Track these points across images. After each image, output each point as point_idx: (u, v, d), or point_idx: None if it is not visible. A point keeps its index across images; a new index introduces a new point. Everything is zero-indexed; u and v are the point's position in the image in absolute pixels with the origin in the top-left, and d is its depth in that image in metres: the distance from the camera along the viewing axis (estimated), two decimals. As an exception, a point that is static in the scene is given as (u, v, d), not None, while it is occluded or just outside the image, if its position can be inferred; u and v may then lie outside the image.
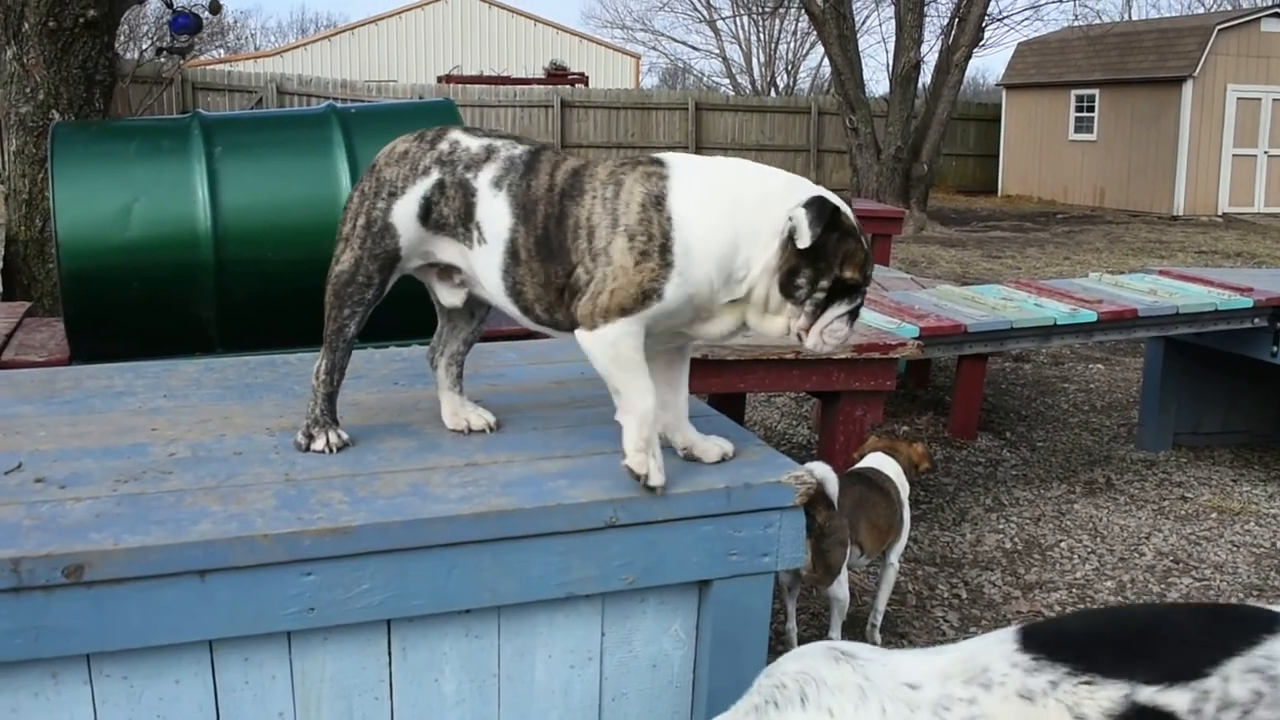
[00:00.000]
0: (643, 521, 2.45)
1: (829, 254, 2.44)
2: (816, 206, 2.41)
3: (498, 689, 2.51)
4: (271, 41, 52.94)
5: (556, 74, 32.19)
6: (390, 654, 2.41)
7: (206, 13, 14.41)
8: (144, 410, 3.04)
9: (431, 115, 4.36)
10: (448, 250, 2.73)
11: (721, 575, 2.56)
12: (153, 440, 2.77)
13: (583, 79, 31.94)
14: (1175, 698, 1.92)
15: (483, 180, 2.64)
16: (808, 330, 2.49)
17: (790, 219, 2.42)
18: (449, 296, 2.87)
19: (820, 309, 2.47)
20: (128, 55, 24.85)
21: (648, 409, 2.50)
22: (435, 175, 2.68)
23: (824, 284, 2.45)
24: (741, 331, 2.60)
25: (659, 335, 2.57)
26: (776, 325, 2.53)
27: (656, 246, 2.44)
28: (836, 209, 2.45)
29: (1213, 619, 2.08)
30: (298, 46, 39.71)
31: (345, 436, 2.76)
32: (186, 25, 13.56)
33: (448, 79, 30.18)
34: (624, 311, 2.44)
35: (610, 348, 2.46)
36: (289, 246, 4.02)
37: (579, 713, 2.59)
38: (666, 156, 2.57)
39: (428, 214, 2.68)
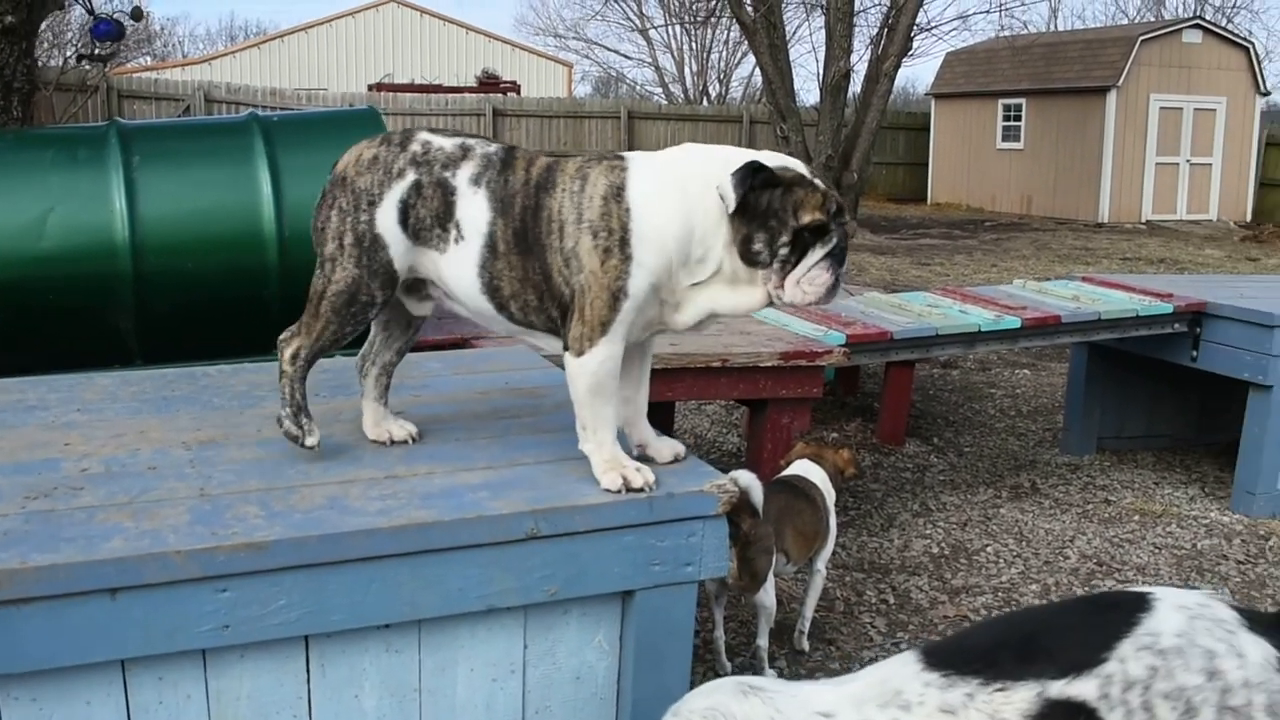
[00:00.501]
0: (564, 533, 2.43)
1: (775, 210, 2.49)
2: (740, 172, 2.46)
3: (419, 704, 2.49)
4: (200, 49, 52.34)
5: (489, 82, 32.08)
6: (309, 670, 2.37)
7: (129, 19, 14.21)
8: (56, 425, 2.98)
9: (355, 123, 4.31)
10: (423, 263, 2.71)
11: (644, 585, 2.55)
12: (65, 456, 2.72)
13: (515, 87, 31.87)
14: (1083, 687, 2.01)
15: (462, 178, 2.65)
16: (781, 286, 2.52)
17: (718, 190, 2.47)
18: (417, 308, 2.87)
19: (788, 263, 2.51)
20: (51, 63, 24.44)
21: (611, 438, 2.59)
22: (411, 177, 2.65)
23: (783, 239, 2.50)
24: (713, 319, 2.65)
25: (633, 332, 2.60)
26: (755, 296, 2.58)
27: (616, 241, 2.50)
28: (762, 168, 2.48)
29: (1090, 609, 2.19)
30: (226, 54, 39.27)
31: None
32: (108, 32, 13.34)
33: (379, 87, 29.99)
34: (604, 326, 2.51)
35: (592, 376, 2.53)
36: (210, 257, 3.96)
37: (502, 726, 2.57)
38: (628, 153, 2.63)
39: (406, 218, 2.65)
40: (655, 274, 2.51)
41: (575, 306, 2.53)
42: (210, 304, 4.01)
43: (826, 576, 4.39)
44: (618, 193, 2.52)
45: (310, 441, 2.70)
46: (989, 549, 5.47)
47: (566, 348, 2.57)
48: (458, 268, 2.67)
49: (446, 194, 2.65)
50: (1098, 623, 2.10)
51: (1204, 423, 7.28)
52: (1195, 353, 6.32)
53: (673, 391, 4.61)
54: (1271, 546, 5.64)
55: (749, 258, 2.51)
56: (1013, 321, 5.98)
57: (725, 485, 2.58)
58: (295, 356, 2.74)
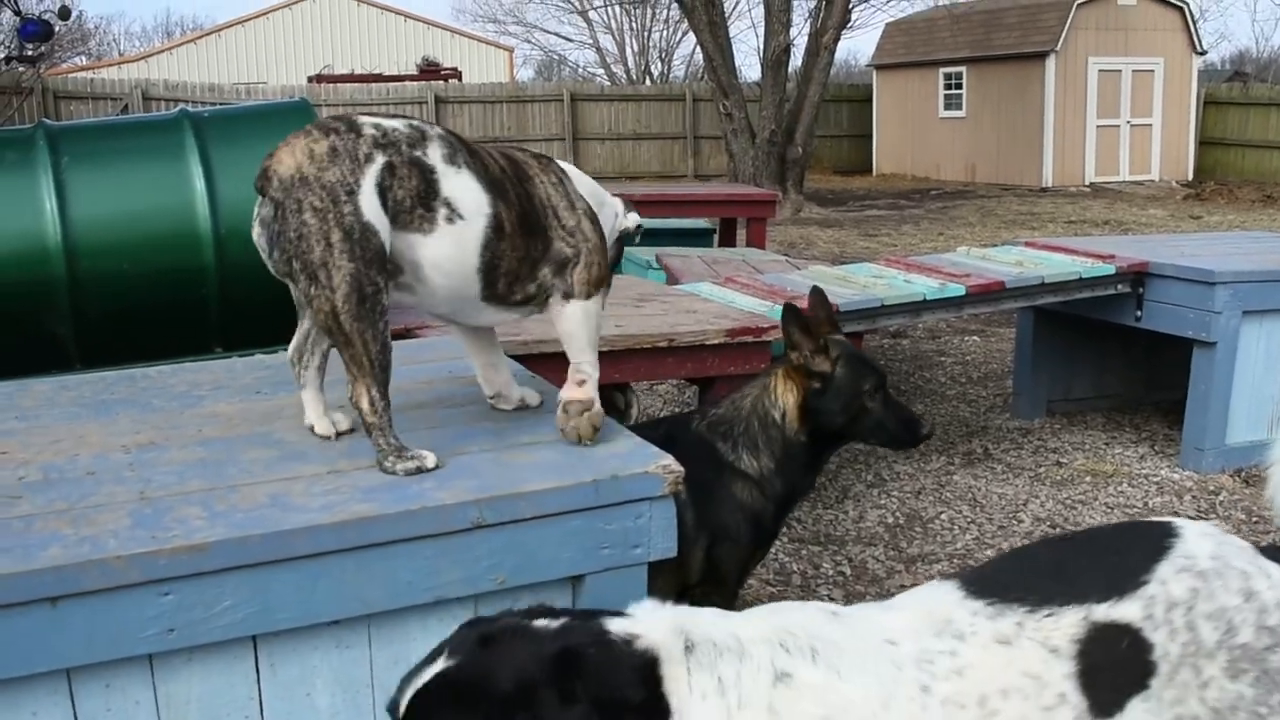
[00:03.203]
0: (510, 520, 2.42)
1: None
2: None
3: (372, 699, 2.47)
4: (136, 46, 51.70)
5: (429, 70, 31.89)
6: (258, 671, 2.35)
7: (57, 19, 14.00)
8: (-7, 434, 2.93)
9: (286, 116, 4.26)
10: (398, 247, 2.61)
11: (594, 569, 2.53)
12: (1, 464, 2.67)
13: (456, 74, 31.69)
14: (1128, 609, 2.05)
15: (436, 157, 2.63)
16: None
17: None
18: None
19: None
20: (-17, 66, 24.05)
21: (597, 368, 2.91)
22: (380, 159, 2.56)
23: None
24: None
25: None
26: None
27: (596, 223, 2.90)
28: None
29: (1118, 536, 2.21)
30: (163, 51, 38.85)
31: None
32: (36, 33, 13.15)
33: (319, 79, 29.75)
34: (601, 285, 2.88)
35: (594, 317, 2.88)
36: (145, 258, 3.90)
37: (458, 717, 2.56)
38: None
39: (384, 200, 2.55)
40: None
41: (581, 261, 2.83)
42: (148, 305, 3.95)
43: (783, 549, 4.39)
44: (590, 193, 2.96)
45: (431, 463, 2.59)
46: (943, 516, 5.51)
47: (571, 296, 2.84)
48: (450, 248, 2.64)
49: (425, 173, 2.60)
50: (1129, 547, 2.14)
51: (1151, 381, 7.36)
52: (1139, 313, 6.38)
53: (620, 373, 4.60)
54: (1221, 501, 5.71)
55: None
56: (957, 289, 6.00)
57: (670, 465, 2.58)
58: (372, 403, 2.60)
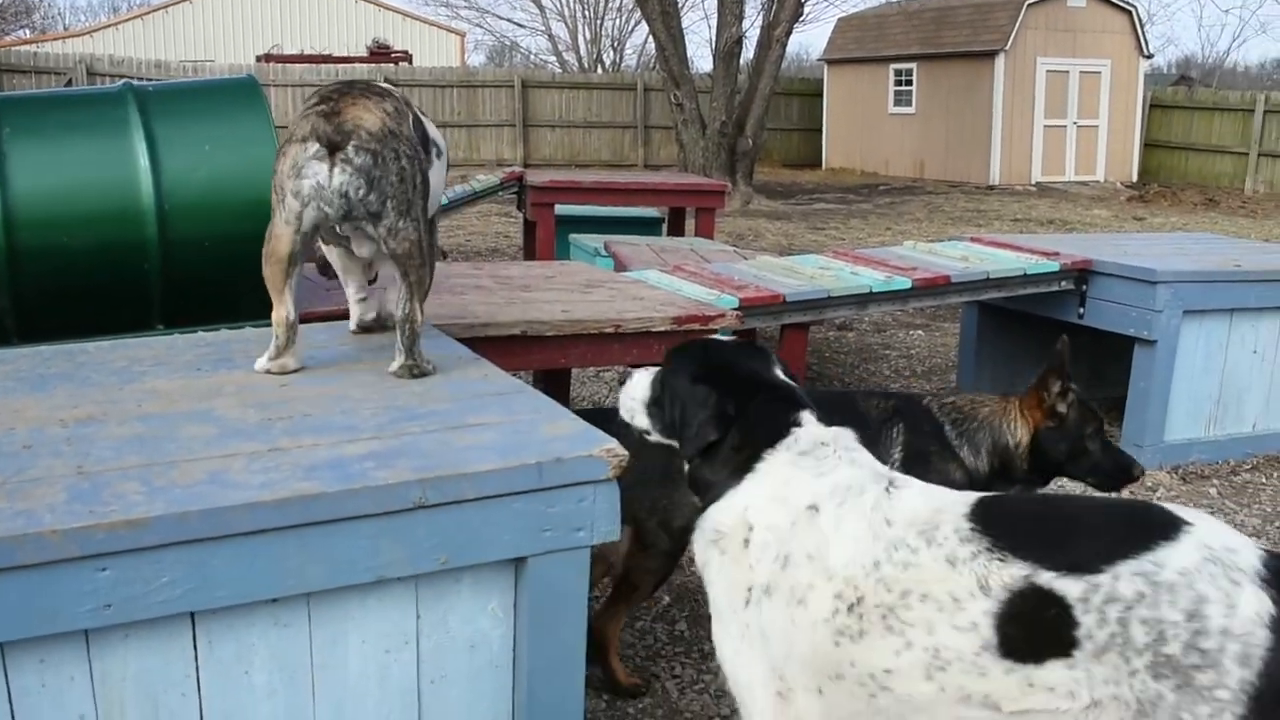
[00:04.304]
0: (452, 501, 2.41)
1: None
2: None
3: (311, 678, 2.45)
4: (81, 20, 50.93)
5: (379, 52, 31.62)
6: (196, 648, 2.33)
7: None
8: (-73, 406, 2.89)
9: (233, 92, 4.21)
10: None
11: (536, 551, 2.53)
12: (-65, 437, 2.63)
13: (406, 57, 31.48)
14: (1069, 586, 2.18)
15: (416, 110, 3.36)
16: None
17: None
18: (363, 249, 3.29)
19: None
20: (-76, 37, 23.64)
21: None
22: (409, 114, 3.24)
23: None
24: None
25: None
26: None
27: None
28: None
29: (1126, 519, 2.32)
30: (109, 26, 38.33)
31: None
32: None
33: (267, 58, 29.42)
34: None
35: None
36: (86, 231, 3.84)
37: (397, 697, 2.55)
38: None
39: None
40: None
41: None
42: (88, 280, 3.89)
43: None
44: None
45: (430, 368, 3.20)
46: None
47: None
48: (437, 177, 3.36)
49: (421, 123, 3.31)
50: (1119, 534, 2.23)
51: (1092, 378, 7.42)
52: (1082, 310, 6.46)
53: (566, 358, 4.59)
54: (1159, 497, 5.78)
55: None
56: (903, 282, 6.05)
57: (614, 449, 2.58)
58: (422, 316, 3.20)
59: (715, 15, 21.53)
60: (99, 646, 2.24)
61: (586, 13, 45.99)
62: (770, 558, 2.46)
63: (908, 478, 2.57)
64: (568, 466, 2.52)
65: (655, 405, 2.82)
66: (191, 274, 3.99)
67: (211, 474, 2.39)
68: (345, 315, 4.03)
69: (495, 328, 4.30)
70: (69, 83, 24.05)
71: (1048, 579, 2.20)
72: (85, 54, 26.96)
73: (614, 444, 2.61)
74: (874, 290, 5.97)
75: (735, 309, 5.19)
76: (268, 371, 3.17)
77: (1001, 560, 2.25)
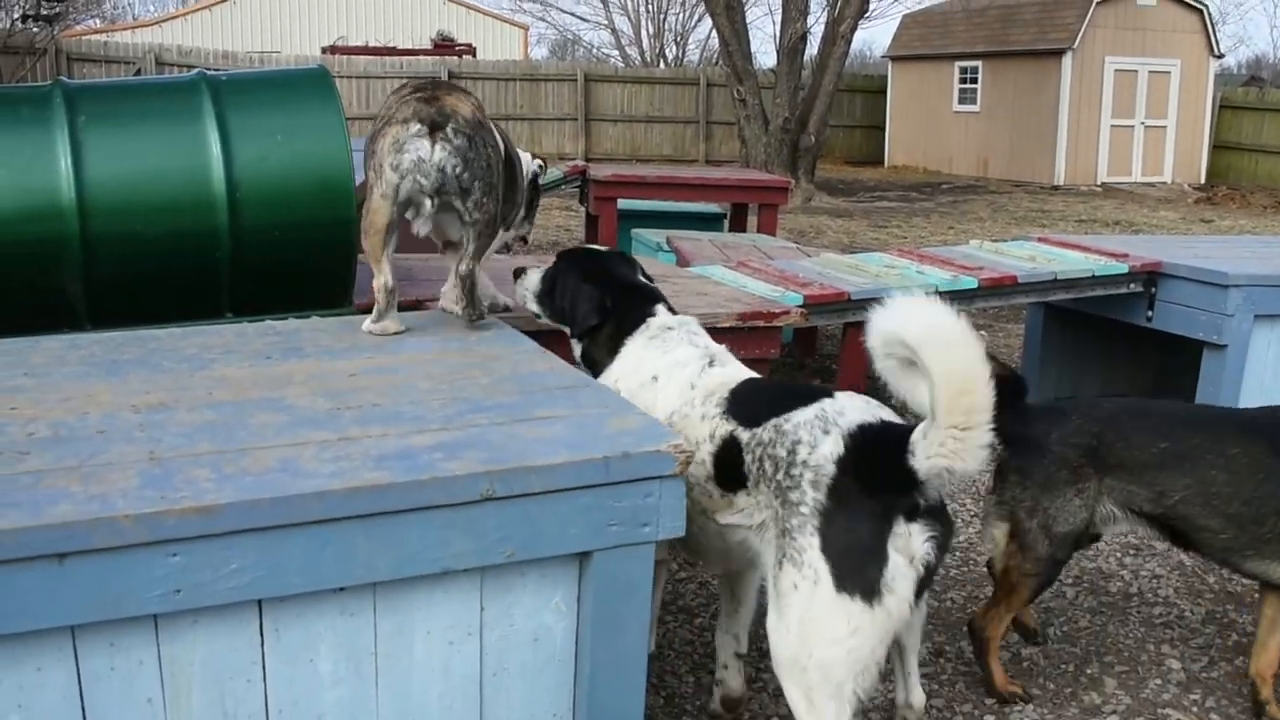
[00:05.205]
0: (520, 494, 2.41)
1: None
2: None
3: (375, 667, 2.46)
4: (150, 11, 51.44)
5: (444, 45, 31.75)
6: (263, 635, 2.35)
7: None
8: (3, 389, 2.93)
9: (304, 82, 4.23)
10: None
11: (602, 546, 2.53)
12: (11, 420, 2.67)
13: (470, 50, 31.56)
14: (745, 434, 3.00)
15: None
16: None
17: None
18: (455, 231, 3.69)
19: None
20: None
21: None
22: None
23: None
24: None
25: None
26: None
27: None
28: None
29: (799, 395, 3.04)
30: (178, 16, 38.73)
31: None
32: (54, -8, 13.09)
33: (332, 50, 29.62)
34: None
35: None
36: (159, 219, 3.86)
37: (460, 689, 2.55)
38: None
39: None
40: None
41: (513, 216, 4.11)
42: (160, 267, 3.92)
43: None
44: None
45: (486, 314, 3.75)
46: (948, 508, 5.48)
47: None
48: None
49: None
50: (787, 404, 2.98)
51: (1159, 382, 7.34)
52: (1150, 313, 6.36)
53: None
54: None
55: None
56: (969, 281, 5.99)
57: (681, 445, 2.57)
58: (478, 271, 3.67)
59: (780, 10, 21.47)
60: (167, 632, 2.26)
61: (650, 7, 46.00)
62: None
63: (729, 357, 3.38)
64: (634, 461, 2.51)
65: (547, 296, 3.67)
66: (261, 262, 4.01)
67: (282, 462, 2.40)
68: (415, 306, 4.06)
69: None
70: (138, 72, 24.34)
71: (738, 431, 3.02)
72: (154, 44, 27.28)
73: (681, 440, 2.60)
74: (940, 289, 5.90)
75: (800, 306, 5.16)
76: (370, 333, 3.58)
77: (724, 419, 3.07)
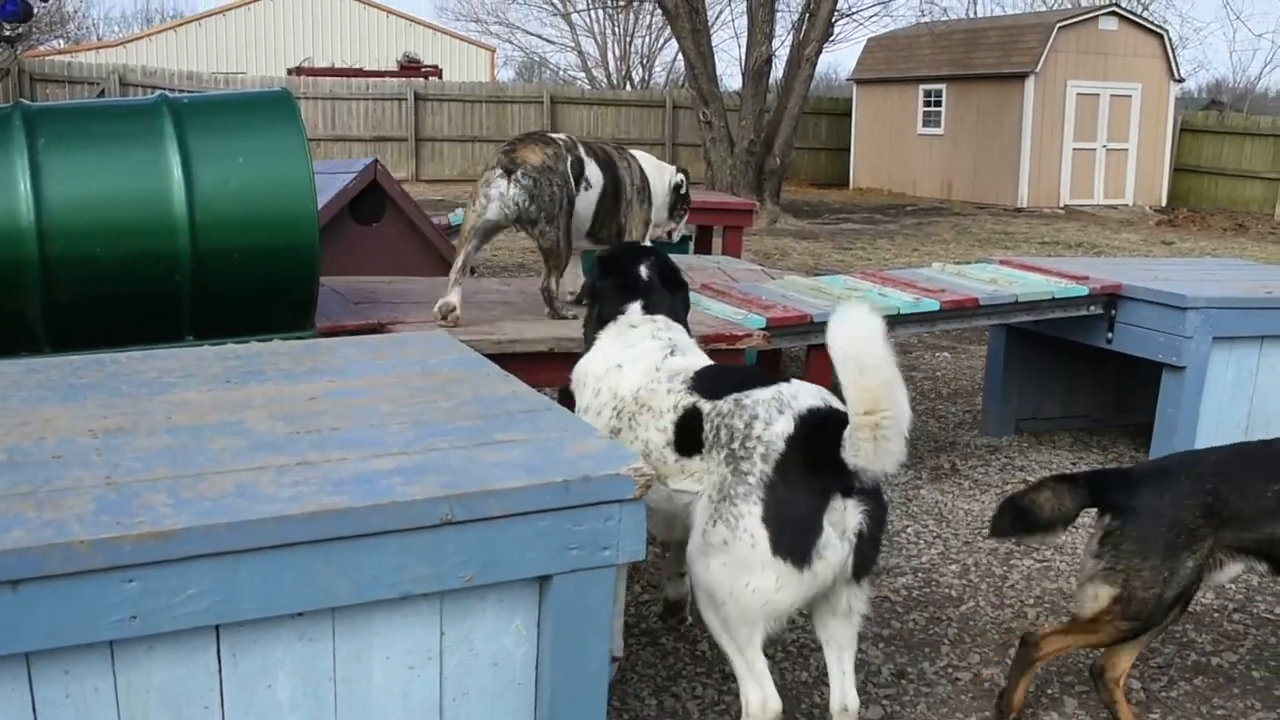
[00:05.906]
0: (479, 518, 2.41)
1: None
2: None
3: (334, 693, 2.45)
4: (115, 31, 51.21)
5: (410, 67, 31.74)
6: (220, 661, 2.33)
7: (38, 0, 13.89)
8: (-42, 414, 2.90)
9: (267, 105, 4.23)
10: None
11: (562, 570, 2.53)
12: (-34, 445, 2.64)
13: (436, 71, 31.58)
14: (706, 405, 3.37)
15: (581, 153, 5.14)
16: None
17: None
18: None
19: None
20: (-41, 46, 23.84)
21: None
22: (569, 157, 5.02)
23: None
24: None
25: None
26: None
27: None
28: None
29: (753, 375, 3.44)
30: (142, 37, 38.59)
31: None
32: (15, 13, 13.00)
33: (298, 71, 29.58)
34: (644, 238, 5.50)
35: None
36: (119, 242, 3.86)
37: (419, 714, 2.54)
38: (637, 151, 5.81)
39: (574, 179, 5.05)
40: None
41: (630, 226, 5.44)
42: (120, 290, 3.91)
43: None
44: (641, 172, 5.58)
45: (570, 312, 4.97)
46: (909, 530, 5.52)
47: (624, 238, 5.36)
48: (584, 203, 5.12)
49: (579, 165, 5.07)
50: (749, 382, 3.34)
51: (1119, 404, 7.40)
52: (1110, 334, 6.42)
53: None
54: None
55: None
56: (931, 304, 6.03)
57: (641, 469, 2.57)
58: (559, 285, 5.05)
59: (745, 34, 21.57)
60: (124, 658, 2.24)
61: (616, 30, 46.16)
62: (592, 390, 3.77)
63: (692, 347, 3.84)
64: (594, 485, 2.52)
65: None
66: (223, 286, 4.00)
67: (240, 486, 2.39)
68: (374, 329, 4.05)
69: (523, 344, 4.31)
70: (102, 93, 24.23)
71: (700, 402, 3.38)
72: (118, 65, 27.14)
73: (641, 463, 2.61)
74: (902, 312, 5.95)
75: (763, 329, 5.18)
76: (438, 309, 4.71)
77: (688, 393, 3.44)
